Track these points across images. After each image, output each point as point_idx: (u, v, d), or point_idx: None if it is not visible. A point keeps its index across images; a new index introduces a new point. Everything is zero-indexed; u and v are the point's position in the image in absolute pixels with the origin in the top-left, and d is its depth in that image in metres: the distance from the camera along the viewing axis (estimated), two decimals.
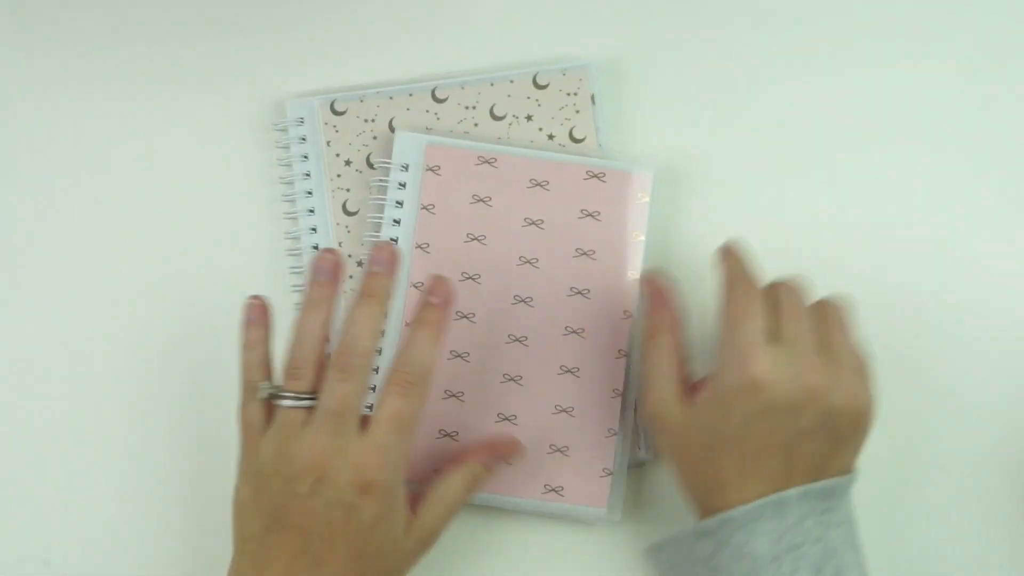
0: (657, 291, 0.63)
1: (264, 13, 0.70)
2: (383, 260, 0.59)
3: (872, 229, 0.68)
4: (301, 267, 0.68)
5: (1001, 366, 0.67)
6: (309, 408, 0.57)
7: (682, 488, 0.60)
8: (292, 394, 0.57)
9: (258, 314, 0.60)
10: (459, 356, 0.65)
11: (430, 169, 0.67)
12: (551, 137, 0.68)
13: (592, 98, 0.68)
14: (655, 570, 0.61)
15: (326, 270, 0.59)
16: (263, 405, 0.58)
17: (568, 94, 0.68)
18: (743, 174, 0.69)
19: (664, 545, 0.60)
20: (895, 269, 0.68)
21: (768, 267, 0.60)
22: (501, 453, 0.63)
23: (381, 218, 0.67)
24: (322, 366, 0.57)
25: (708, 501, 0.58)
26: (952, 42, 0.70)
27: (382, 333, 0.59)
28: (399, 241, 0.66)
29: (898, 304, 0.68)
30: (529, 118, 0.68)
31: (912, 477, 0.66)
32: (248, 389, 0.59)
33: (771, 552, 0.54)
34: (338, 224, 0.68)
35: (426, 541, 0.60)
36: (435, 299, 0.59)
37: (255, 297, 0.61)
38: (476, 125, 0.68)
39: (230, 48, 0.70)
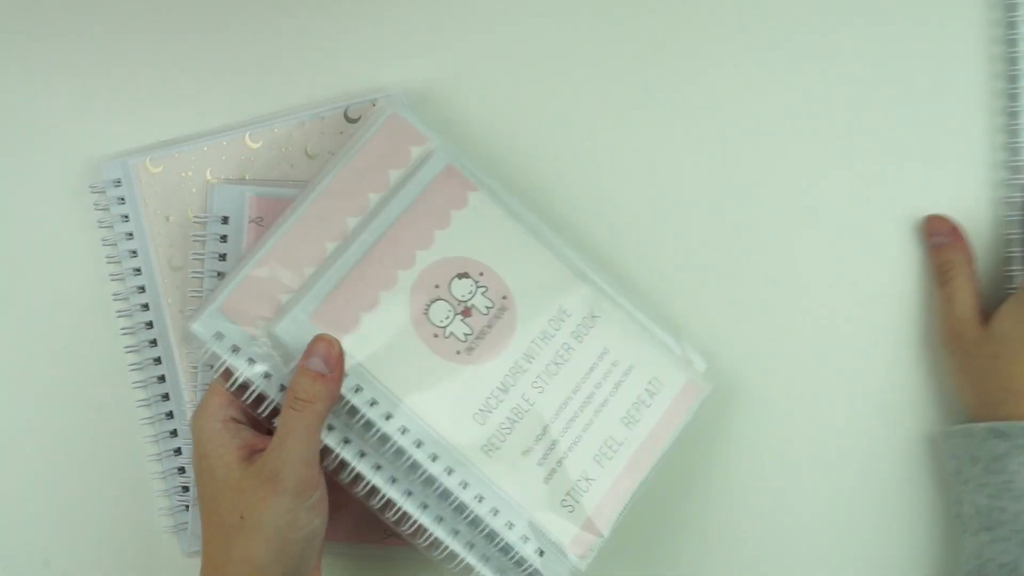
0: (952, 229, 0.68)
1: (68, 72, 0.70)
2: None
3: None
4: (132, 328, 0.68)
5: None
6: None
7: (970, 404, 0.65)
8: None
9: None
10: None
11: (253, 221, 0.67)
12: None
13: None
14: (943, 453, 0.66)
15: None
16: None
17: None
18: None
19: (953, 434, 0.65)
20: None
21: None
22: (306, 353, 0.59)
23: (203, 272, 0.67)
24: None
25: (1003, 408, 0.62)
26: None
27: None
28: None
29: None
30: None
31: None
32: None
33: None
34: (165, 281, 0.68)
35: (275, 480, 0.57)
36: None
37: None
38: (292, 166, 0.69)
39: (37, 110, 0.70)
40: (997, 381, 0.63)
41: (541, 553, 0.62)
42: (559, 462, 0.63)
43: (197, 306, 0.66)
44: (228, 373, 0.59)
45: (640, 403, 0.64)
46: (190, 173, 0.68)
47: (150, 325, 0.68)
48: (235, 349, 0.60)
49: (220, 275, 0.67)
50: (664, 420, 0.65)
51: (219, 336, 0.60)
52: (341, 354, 0.59)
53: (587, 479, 0.63)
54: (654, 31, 0.70)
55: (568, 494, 0.63)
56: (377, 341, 0.62)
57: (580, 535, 0.63)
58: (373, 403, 0.61)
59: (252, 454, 0.58)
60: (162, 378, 0.68)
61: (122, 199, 0.68)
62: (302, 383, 0.57)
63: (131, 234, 0.68)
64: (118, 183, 0.68)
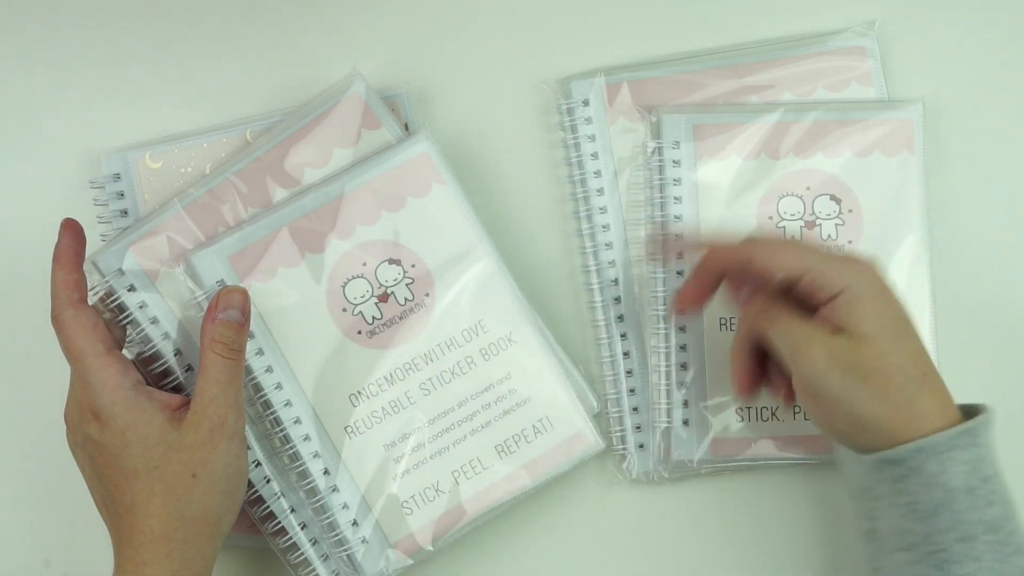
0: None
1: (68, 66, 0.70)
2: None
3: None
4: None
5: None
6: None
7: (839, 435, 0.59)
8: None
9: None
10: None
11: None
12: None
13: None
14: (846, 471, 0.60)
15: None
16: None
17: None
18: None
19: (851, 461, 0.59)
20: None
21: None
22: (221, 306, 0.60)
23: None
24: None
25: (891, 433, 0.56)
26: None
27: None
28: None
29: None
30: None
31: None
32: None
33: (966, 483, 0.55)
34: None
35: (222, 427, 0.58)
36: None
37: None
38: None
39: (36, 105, 0.70)
40: (848, 417, 0.57)
41: (364, 541, 0.63)
42: (417, 465, 0.64)
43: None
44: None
45: (521, 437, 0.65)
46: (190, 169, 0.68)
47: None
48: (131, 288, 0.62)
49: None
50: (538, 461, 0.65)
51: (120, 273, 0.62)
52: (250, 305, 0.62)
53: (437, 490, 0.64)
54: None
55: (413, 498, 0.64)
56: (285, 298, 0.64)
57: (408, 539, 0.64)
58: (259, 353, 0.63)
59: (173, 411, 0.58)
60: None
61: (121, 194, 0.68)
62: (228, 334, 0.59)
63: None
64: (117, 178, 0.68)
